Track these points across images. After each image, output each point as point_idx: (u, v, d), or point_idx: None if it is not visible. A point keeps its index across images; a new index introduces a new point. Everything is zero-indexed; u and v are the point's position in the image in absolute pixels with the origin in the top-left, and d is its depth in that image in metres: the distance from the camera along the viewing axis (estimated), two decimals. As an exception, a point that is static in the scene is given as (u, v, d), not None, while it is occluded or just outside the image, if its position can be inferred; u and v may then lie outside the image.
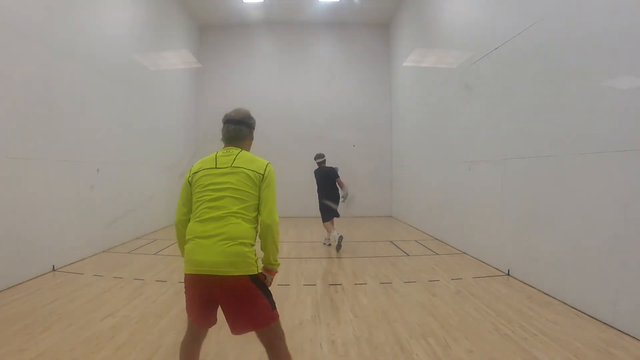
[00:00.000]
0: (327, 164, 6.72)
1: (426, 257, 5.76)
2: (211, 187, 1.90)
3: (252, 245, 1.88)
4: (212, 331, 2.98)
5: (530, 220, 4.23)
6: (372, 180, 10.93)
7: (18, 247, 4.14)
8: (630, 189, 2.93)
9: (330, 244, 6.36)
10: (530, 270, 4.23)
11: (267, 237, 1.91)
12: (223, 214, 1.83)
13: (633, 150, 2.90)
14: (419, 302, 3.74)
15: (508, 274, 4.59)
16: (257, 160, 2.00)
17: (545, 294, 3.87)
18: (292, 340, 2.89)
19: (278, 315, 1.95)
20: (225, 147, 2.10)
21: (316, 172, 6.61)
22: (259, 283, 1.86)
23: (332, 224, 6.47)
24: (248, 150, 2.17)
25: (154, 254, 5.76)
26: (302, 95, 11.04)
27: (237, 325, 1.89)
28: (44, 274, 4.50)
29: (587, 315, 3.29)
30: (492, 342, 2.83)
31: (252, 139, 2.26)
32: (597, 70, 3.29)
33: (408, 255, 5.90)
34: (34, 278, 4.32)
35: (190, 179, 2.01)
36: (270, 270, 1.98)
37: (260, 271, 1.90)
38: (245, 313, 1.84)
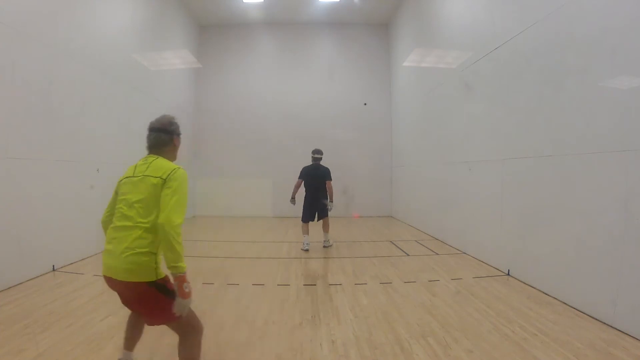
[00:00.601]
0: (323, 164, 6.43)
1: (426, 257, 5.76)
2: (125, 196, 2.02)
3: (153, 253, 1.91)
4: (212, 332, 2.99)
5: (530, 220, 4.23)
6: (372, 180, 10.94)
7: (18, 247, 4.13)
8: (630, 189, 2.93)
9: (307, 249, 6.01)
10: (530, 270, 4.23)
11: (161, 239, 1.84)
12: (130, 224, 1.91)
13: (633, 150, 2.90)
14: (419, 302, 3.74)
15: (508, 274, 4.59)
16: (165, 166, 2.03)
17: (545, 294, 3.87)
18: (292, 340, 2.90)
19: (177, 319, 1.97)
20: (147, 155, 2.19)
21: (307, 169, 6.29)
22: (160, 287, 1.92)
23: (308, 226, 6.24)
24: (171, 156, 2.24)
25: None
26: (301, 95, 11.04)
27: (146, 320, 2.12)
28: (44, 274, 4.50)
29: (587, 315, 3.29)
30: (492, 342, 2.83)
31: (174, 144, 2.27)
32: (597, 70, 3.29)
33: (408, 255, 5.90)
34: (34, 278, 4.31)
35: (118, 185, 2.16)
36: (175, 276, 1.85)
37: (161, 277, 1.93)
38: (149, 312, 2.01)
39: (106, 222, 2.16)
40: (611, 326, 3.04)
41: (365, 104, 11.03)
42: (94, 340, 2.80)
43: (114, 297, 3.72)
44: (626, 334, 2.90)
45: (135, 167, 2.11)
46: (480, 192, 5.42)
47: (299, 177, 6.29)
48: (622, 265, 2.98)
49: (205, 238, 7.76)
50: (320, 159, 6.36)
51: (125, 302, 2.10)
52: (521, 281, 4.32)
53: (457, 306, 3.59)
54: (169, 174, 1.97)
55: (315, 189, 6.17)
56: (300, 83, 11.09)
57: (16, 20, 4.16)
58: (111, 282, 1.98)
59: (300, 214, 6.29)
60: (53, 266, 4.71)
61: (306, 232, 6.15)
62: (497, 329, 3.04)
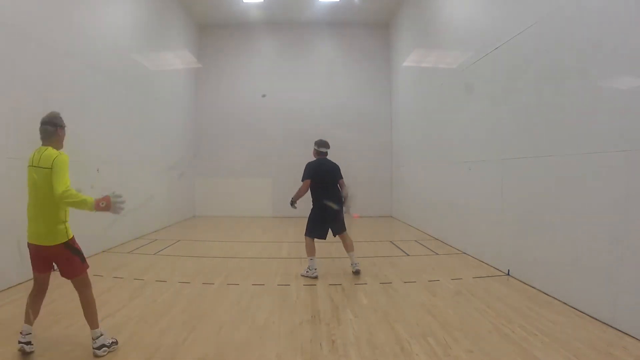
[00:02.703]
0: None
1: (426, 257, 5.76)
2: (30, 182, 2.61)
3: (62, 221, 2.63)
4: (212, 332, 2.99)
5: (530, 220, 4.23)
6: (372, 180, 10.93)
7: (18, 247, 4.12)
8: (630, 189, 2.93)
9: (316, 275, 4.55)
10: (530, 270, 4.23)
11: (65, 206, 2.57)
12: (38, 205, 2.56)
13: (633, 150, 2.90)
14: (419, 302, 3.74)
15: (508, 274, 4.59)
16: (50, 155, 2.55)
17: (545, 294, 3.87)
18: (292, 340, 2.90)
19: (87, 268, 2.74)
20: (41, 145, 2.67)
21: (319, 165, 4.84)
22: (70, 247, 2.65)
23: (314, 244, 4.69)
24: (57, 144, 2.74)
25: (154, 254, 5.76)
26: (302, 95, 11.04)
27: (63, 273, 2.71)
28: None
29: (587, 315, 3.29)
30: (492, 342, 2.83)
31: (59, 135, 2.75)
32: (597, 70, 3.29)
33: (408, 255, 5.90)
34: (34, 278, 4.31)
35: (27, 170, 2.64)
36: (95, 209, 2.56)
37: (70, 237, 2.66)
38: (65, 267, 2.66)
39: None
40: (611, 326, 3.04)
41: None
42: (94, 340, 2.79)
43: (114, 297, 3.76)
44: (626, 334, 2.90)
45: (32, 156, 2.64)
46: (480, 192, 5.42)
47: (306, 177, 4.70)
48: (622, 265, 2.98)
49: (205, 238, 7.76)
50: (327, 152, 5.13)
51: (41, 262, 2.66)
52: (521, 281, 4.32)
53: (457, 306, 3.59)
54: (52, 161, 2.51)
55: (332, 192, 4.83)
56: (300, 83, 11.09)
57: (16, 21, 4.16)
58: (34, 247, 2.61)
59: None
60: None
61: (313, 252, 4.65)
62: (497, 329, 3.04)
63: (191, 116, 10.71)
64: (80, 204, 2.48)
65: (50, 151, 2.58)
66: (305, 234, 4.76)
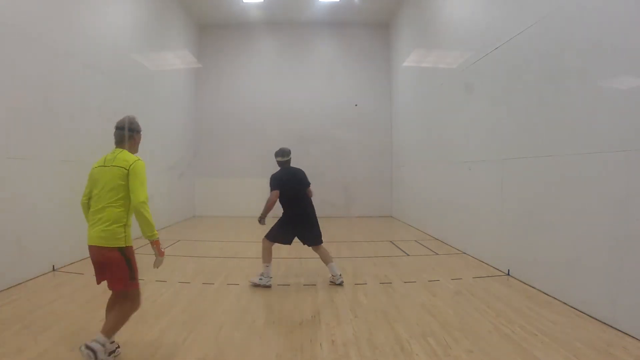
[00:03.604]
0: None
1: (426, 257, 5.76)
2: (98, 182, 2.57)
3: (122, 225, 2.52)
4: (212, 331, 2.99)
5: (530, 220, 4.23)
6: (372, 180, 10.94)
7: (18, 247, 4.13)
8: (630, 189, 2.93)
9: (270, 285, 4.22)
10: (530, 270, 4.23)
11: (136, 215, 2.49)
12: (102, 201, 2.50)
13: (633, 150, 2.90)
14: (419, 302, 3.74)
15: (508, 274, 4.59)
16: (127, 158, 2.56)
17: (545, 294, 3.87)
18: (292, 340, 2.90)
19: (135, 287, 2.59)
20: (114, 148, 2.72)
21: (284, 174, 4.47)
22: (124, 255, 2.53)
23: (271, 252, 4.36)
24: (133, 148, 2.78)
25: (154, 254, 5.75)
26: (302, 95, 11.05)
27: (108, 283, 2.60)
28: (44, 274, 4.50)
29: (587, 315, 3.29)
30: (492, 342, 2.83)
31: (135, 140, 2.81)
32: (597, 70, 3.29)
33: (408, 255, 5.90)
34: (34, 278, 4.31)
35: (90, 172, 2.70)
36: (151, 241, 2.54)
37: (127, 245, 2.55)
38: (113, 275, 2.54)
39: (85, 204, 2.74)
40: (611, 326, 3.04)
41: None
42: (94, 340, 2.79)
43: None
44: (626, 334, 2.90)
45: (105, 158, 2.65)
46: (480, 192, 5.42)
47: (274, 188, 4.35)
48: (622, 265, 2.98)
49: (205, 238, 7.76)
50: (290, 160, 4.71)
51: (100, 269, 2.60)
52: (521, 281, 4.32)
53: (457, 306, 3.59)
54: (130, 165, 2.50)
55: (302, 200, 4.52)
56: (300, 83, 11.10)
57: (16, 21, 4.16)
58: (90, 249, 2.54)
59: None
60: (53, 266, 4.71)
61: (269, 258, 4.34)
62: (497, 329, 3.04)
63: (191, 116, 10.71)
64: (149, 222, 2.50)
65: (127, 154, 2.62)
66: (266, 237, 4.40)
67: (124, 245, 2.52)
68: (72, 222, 5.10)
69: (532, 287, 4.08)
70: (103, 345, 2.36)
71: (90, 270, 4.71)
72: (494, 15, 5.08)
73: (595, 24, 3.31)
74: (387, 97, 11.10)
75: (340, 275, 4.31)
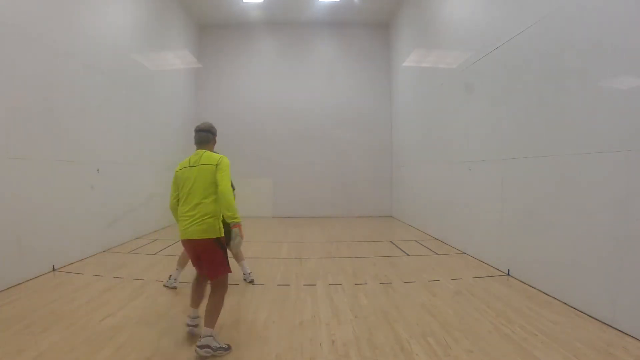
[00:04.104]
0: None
1: (426, 257, 5.76)
2: (187, 181, 2.81)
3: (216, 217, 2.75)
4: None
5: (530, 220, 4.23)
6: (372, 180, 10.94)
7: (18, 247, 4.13)
8: (630, 189, 2.93)
9: (175, 286, 4.11)
10: (530, 270, 4.23)
11: (221, 200, 2.70)
12: (195, 198, 2.74)
13: (633, 150, 2.90)
14: (419, 302, 3.74)
15: (508, 274, 4.59)
16: (213, 156, 2.85)
17: (545, 294, 3.87)
18: (292, 340, 2.90)
19: (229, 271, 2.87)
20: (196, 149, 2.98)
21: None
22: (220, 244, 2.78)
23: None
24: (212, 149, 3.07)
25: (154, 254, 5.76)
26: (302, 95, 11.04)
27: (206, 271, 2.88)
28: (44, 274, 4.50)
29: (587, 315, 3.29)
30: (492, 342, 2.83)
31: (215, 142, 3.14)
32: (597, 70, 3.29)
33: (408, 255, 5.90)
34: (34, 278, 4.31)
35: (175, 174, 2.93)
36: (233, 224, 2.69)
37: (222, 236, 2.77)
38: (211, 264, 2.79)
39: (174, 204, 2.96)
40: (611, 326, 3.04)
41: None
42: (94, 340, 2.80)
43: (114, 297, 3.76)
44: (626, 334, 2.90)
45: (189, 159, 2.90)
46: (480, 192, 5.42)
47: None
48: (622, 265, 2.98)
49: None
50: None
51: (195, 258, 2.87)
52: (521, 281, 4.32)
53: (457, 306, 3.59)
54: (218, 161, 2.80)
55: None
56: (300, 83, 11.09)
57: (16, 21, 4.16)
58: (188, 243, 2.77)
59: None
60: (53, 266, 4.71)
61: (184, 263, 4.13)
62: (497, 329, 3.04)
63: (191, 116, 10.70)
64: (233, 208, 2.69)
65: (212, 153, 2.91)
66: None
67: (219, 236, 2.76)
68: (72, 222, 5.13)
69: (532, 287, 4.08)
70: (212, 336, 2.60)
71: (90, 269, 4.77)
72: (494, 15, 5.08)
73: (595, 24, 3.31)
74: (387, 97, 11.09)
75: (250, 274, 4.39)
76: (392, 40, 10.81)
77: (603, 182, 3.21)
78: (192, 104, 10.76)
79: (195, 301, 3.02)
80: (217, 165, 2.77)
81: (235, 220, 2.68)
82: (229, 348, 2.69)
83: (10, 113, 4.10)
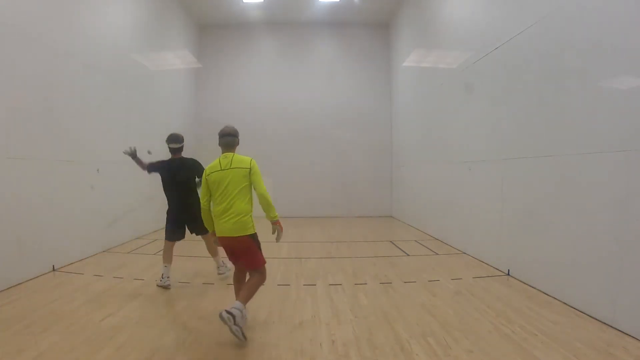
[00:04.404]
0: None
1: (426, 257, 5.76)
2: (220, 183, 3.02)
3: (249, 215, 3.04)
4: (212, 332, 3.00)
5: (530, 220, 4.23)
6: (372, 180, 10.94)
7: (18, 247, 4.13)
8: (630, 189, 2.93)
9: (168, 284, 4.12)
10: (530, 270, 4.23)
11: (261, 202, 3.01)
12: (229, 199, 2.98)
13: (633, 150, 2.90)
14: (419, 302, 3.74)
15: (508, 274, 4.59)
16: (244, 159, 3.11)
17: (545, 294, 3.87)
18: (292, 340, 2.90)
19: (264, 262, 3.15)
20: (223, 152, 3.17)
21: (166, 164, 4.40)
22: (255, 239, 3.08)
23: (172, 250, 4.25)
24: (235, 151, 3.24)
25: (154, 254, 5.75)
26: (302, 95, 11.04)
27: (246, 263, 3.14)
28: (44, 274, 4.50)
29: (587, 315, 3.29)
30: (492, 342, 2.83)
31: (238, 143, 3.32)
32: (597, 70, 3.29)
33: (408, 255, 5.90)
34: (34, 278, 4.31)
35: (206, 178, 3.09)
36: (273, 222, 3.08)
37: (255, 232, 3.07)
38: (249, 257, 3.07)
39: (206, 206, 3.14)
40: (611, 326, 3.04)
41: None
42: (94, 340, 2.80)
43: (114, 297, 3.76)
44: (626, 334, 2.90)
45: (220, 162, 3.09)
46: (480, 192, 5.42)
47: (149, 169, 4.46)
48: (622, 265, 2.98)
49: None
50: (181, 148, 4.49)
51: (231, 253, 3.16)
52: (521, 281, 4.32)
53: (457, 306, 3.59)
54: (250, 164, 3.07)
55: (188, 191, 4.32)
56: (300, 83, 11.09)
57: (16, 21, 4.16)
58: (226, 239, 3.04)
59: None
60: (53, 266, 4.71)
61: (169, 258, 4.20)
62: (497, 329, 3.04)
63: (191, 116, 10.71)
64: (272, 206, 3.02)
65: (240, 156, 3.13)
66: (165, 238, 4.29)
67: (253, 232, 3.04)
68: (72, 222, 5.13)
69: (532, 287, 4.08)
70: (240, 311, 2.80)
71: (90, 269, 4.78)
72: (494, 15, 5.07)
73: (595, 24, 3.31)
74: (387, 97, 11.09)
75: (221, 267, 4.49)
76: (392, 40, 10.81)
77: (603, 182, 3.21)
78: (192, 104, 10.76)
79: (239, 293, 3.13)
80: (250, 168, 3.04)
81: (275, 218, 3.05)
82: (245, 338, 2.79)
83: (10, 113, 4.10)
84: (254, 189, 3.05)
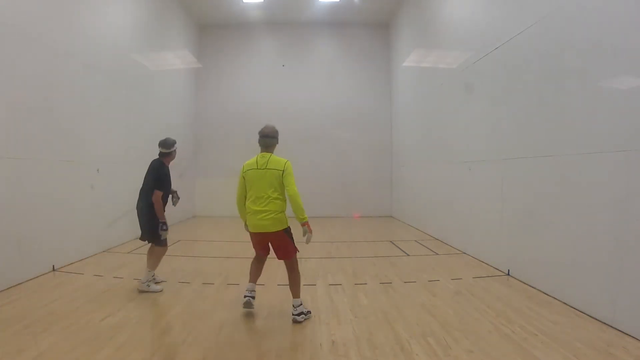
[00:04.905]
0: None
1: (426, 257, 5.76)
2: (256, 182, 3.22)
3: (284, 212, 3.26)
4: (212, 332, 3.00)
5: (530, 220, 4.23)
6: (372, 180, 10.94)
7: (18, 247, 4.13)
8: (630, 189, 2.93)
9: (160, 289, 4.03)
10: (530, 270, 4.23)
11: (292, 203, 3.20)
12: (265, 197, 3.18)
13: (633, 150, 2.89)
14: (419, 302, 3.74)
15: (508, 274, 4.59)
16: (280, 161, 3.27)
17: (545, 294, 3.87)
18: (292, 340, 2.90)
19: (297, 251, 3.37)
20: (261, 152, 3.35)
21: (167, 169, 4.43)
22: (288, 233, 3.29)
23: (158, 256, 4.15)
24: (273, 151, 3.39)
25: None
26: (301, 95, 11.04)
27: (279, 255, 3.37)
28: (44, 274, 4.50)
29: (587, 315, 3.29)
30: (492, 342, 2.83)
31: (277, 144, 3.45)
32: (597, 70, 3.29)
33: (408, 255, 5.90)
34: (34, 278, 4.31)
35: (243, 175, 3.33)
36: (302, 223, 3.21)
37: (288, 226, 3.28)
38: (283, 249, 3.31)
39: (241, 201, 3.39)
40: (611, 326, 3.04)
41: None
42: (94, 340, 2.80)
43: (114, 297, 3.76)
44: (626, 334, 2.90)
45: (257, 161, 3.28)
46: (480, 192, 5.42)
47: (164, 189, 4.25)
48: (622, 265, 2.98)
49: (206, 238, 7.76)
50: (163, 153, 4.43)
51: (263, 247, 3.41)
52: (521, 281, 4.32)
53: (457, 306, 3.59)
54: (284, 165, 3.23)
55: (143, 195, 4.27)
56: (300, 83, 11.09)
57: (16, 21, 4.16)
58: (259, 235, 3.28)
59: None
60: (53, 266, 4.71)
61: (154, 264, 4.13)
62: (497, 329, 3.04)
63: (191, 116, 10.71)
64: (301, 208, 3.18)
65: (277, 157, 3.29)
66: (162, 244, 4.19)
67: (287, 226, 3.27)
68: (72, 222, 5.13)
69: (532, 287, 4.08)
70: (302, 304, 3.29)
71: (90, 269, 4.78)
72: (494, 15, 5.07)
73: (595, 24, 3.31)
74: (387, 97, 11.09)
75: (147, 281, 4.00)
76: (392, 40, 10.81)
77: (603, 182, 3.21)
78: (192, 104, 10.75)
79: (254, 277, 3.48)
80: (284, 170, 3.20)
81: (304, 220, 3.20)
82: (309, 312, 3.33)
83: (11, 113, 4.10)
84: (286, 189, 3.21)
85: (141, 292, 3.96)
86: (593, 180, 3.32)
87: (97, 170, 5.76)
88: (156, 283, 4.15)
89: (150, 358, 2.58)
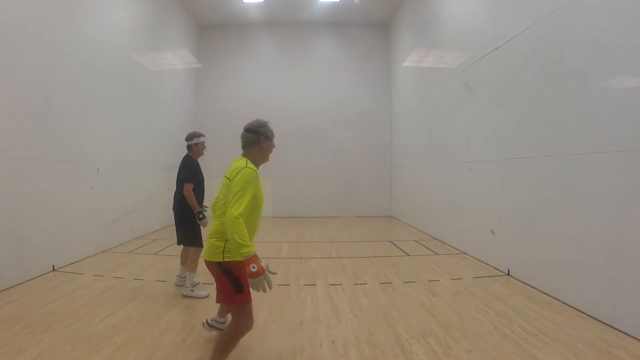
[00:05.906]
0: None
1: (426, 257, 5.76)
2: (221, 191, 2.38)
3: (223, 239, 2.22)
4: (212, 334, 2.99)
5: (530, 220, 4.23)
6: (372, 180, 10.93)
7: (18, 247, 4.13)
8: (630, 189, 2.93)
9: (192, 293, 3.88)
10: (530, 270, 4.23)
11: (226, 229, 2.05)
12: (217, 214, 2.35)
13: (633, 150, 2.90)
14: (419, 302, 3.74)
15: (508, 274, 4.59)
16: (237, 166, 2.26)
17: (545, 294, 3.87)
18: (292, 341, 2.90)
19: (241, 301, 2.23)
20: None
21: (194, 162, 4.27)
22: (223, 269, 2.23)
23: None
24: (257, 155, 2.43)
25: (154, 254, 5.76)
26: (302, 95, 11.04)
27: (217, 296, 2.35)
28: (44, 274, 4.50)
29: (587, 315, 3.29)
30: (492, 342, 2.83)
31: (261, 145, 2.43)
32: (597, 70, 3.29)
33: (408, 255, 5.90)
34: (34, 278, 4.31)
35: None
36: (247, 263, 2.02)
37: (226, 260, 2.22)
38: (220, 289, 2.31)
39: (213, 207, 2.59)
40: (611, 326, 3.04)
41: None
42: (94, 340, 2.80)
43: (114, 297, 3.76)
44: (626, 334, 2.90)
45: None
46: (480, 192, 5.42)
47: (191, 181, 4.04)
48: (622, 265, 2.98)
49: (205, 238, 7.74)
50: (188, 147, 4.37)
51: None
52: (521, 281, 4.32)
53: (457, 306, 3.59)
54: (237, 174, 2.18)
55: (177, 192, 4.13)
56: (300, 83, 11.09)
57: (16, 21, 4.16)
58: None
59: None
60: (53, 266, 4.71)
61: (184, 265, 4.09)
62: (497, 329, 3.04)
63: (191, 116, 10.70)
64: (237, 237, 2.00)
65: (241, 162, 2.30)
66: (195, 244, 4.02)
67: (221, 261, 2.22)
68: (72, 222, 5.13)
69: (532, 287, 4.08)
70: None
71: (90, 269, 4.78)
72: (494, 15, 5.07)
73: (595, 24, 3.31)
74: (387, 97, 11.09)
75: (184, 278, 4.01)
76: (392, 40, 10.81)
77: (603, 182, 3.21)
78: (192, 104, 10.75)
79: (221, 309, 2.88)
80: (232, 178, 2.19)
81: (245, 254, 2.01)
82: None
83: (10, 113, 4.10)
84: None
85: (185, 297, 3.83)
86: (593, 180, 3.32)
87: (97, 170, 5.76)
88: (194, 285, 3.92)
89: (150, 358, 2.58)
